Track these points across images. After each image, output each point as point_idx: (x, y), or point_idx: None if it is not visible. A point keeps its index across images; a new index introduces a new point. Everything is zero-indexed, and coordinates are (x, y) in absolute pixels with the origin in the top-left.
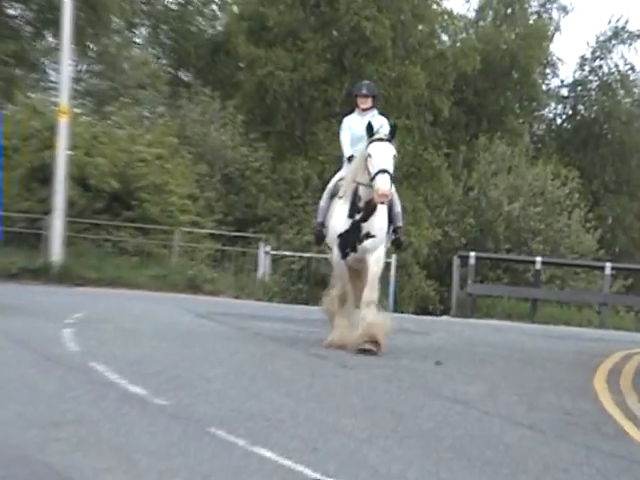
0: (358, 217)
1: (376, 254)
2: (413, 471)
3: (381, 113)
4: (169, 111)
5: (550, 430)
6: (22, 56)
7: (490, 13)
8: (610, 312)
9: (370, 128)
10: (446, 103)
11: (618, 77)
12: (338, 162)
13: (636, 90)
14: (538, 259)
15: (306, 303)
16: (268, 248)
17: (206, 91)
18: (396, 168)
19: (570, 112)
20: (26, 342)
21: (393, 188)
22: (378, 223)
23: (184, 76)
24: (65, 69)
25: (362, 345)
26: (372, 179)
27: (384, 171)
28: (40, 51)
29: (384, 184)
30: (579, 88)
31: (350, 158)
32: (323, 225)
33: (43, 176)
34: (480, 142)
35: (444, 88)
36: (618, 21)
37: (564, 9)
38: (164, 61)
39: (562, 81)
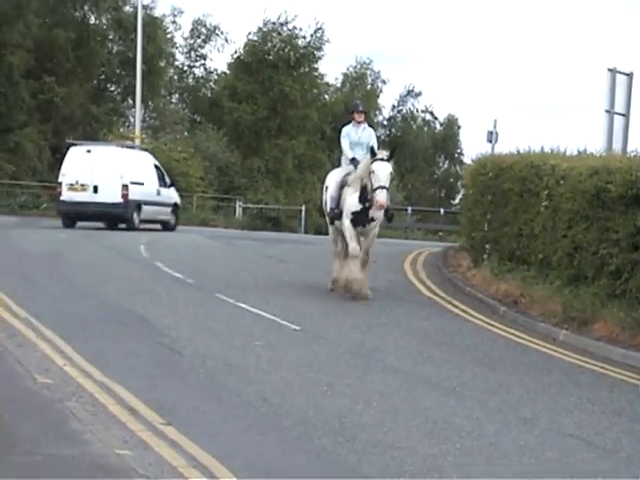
0: (367, 205)
1: (373, 232)
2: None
3: (369, 125)
4: (190, 135)
5: (382, 290)
6: (115, 109)
7: None
8: (410, 231)
9: (373, 150)
10: None
11: None
12: None
13: None
14: None
15: (261, 229)
16: (241, 202)
17: (210, 126)
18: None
19: None
20: (122, 253)
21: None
22: (379, 213)
23: (197, 117)
24: (137, 115)
25: (353, 293)
26: (374, 190)
27: (383, 187)
28: (125, 107)
29: (382, 198)
30: None
31: (353, 159)
32: (335, 209)
33: None
34: None
35: None
36: None
37: None
38: (186, 110)
39: None
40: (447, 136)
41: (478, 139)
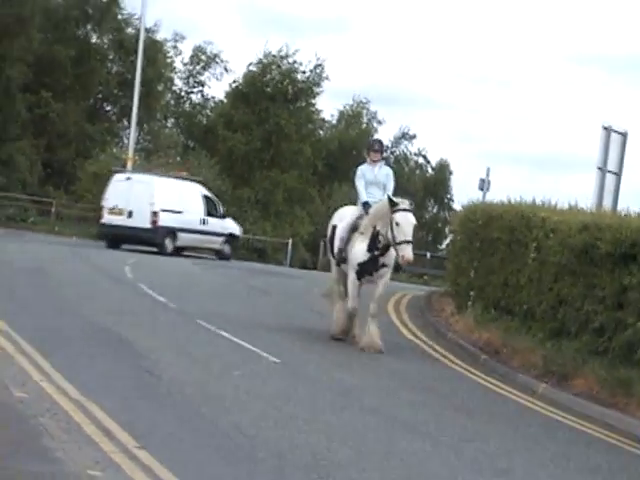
0: (377, 253)
1: (384, 279)
2: None
3: (386, 164)
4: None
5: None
6: (110, 129)
7: None
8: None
9: (391, 199)
10: None
11: None
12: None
13: None
14: None
15: (246, 260)
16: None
17: (203, 152)
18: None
19: None
20: (106, 272)
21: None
22: (391, 258)
23: (190, 143)
24: (132, 137)
25: (368, 349)
26: (398, 244)
27: (409, 242)
28: (119, 128)
29: (409, 253)
30: None
31: (365, 203)
32: (343, 251)
33: None
34: None
35: None
36: None
37: None
38: (181, 135)
39: None
40: (438, 180)
41: (469, 186)
